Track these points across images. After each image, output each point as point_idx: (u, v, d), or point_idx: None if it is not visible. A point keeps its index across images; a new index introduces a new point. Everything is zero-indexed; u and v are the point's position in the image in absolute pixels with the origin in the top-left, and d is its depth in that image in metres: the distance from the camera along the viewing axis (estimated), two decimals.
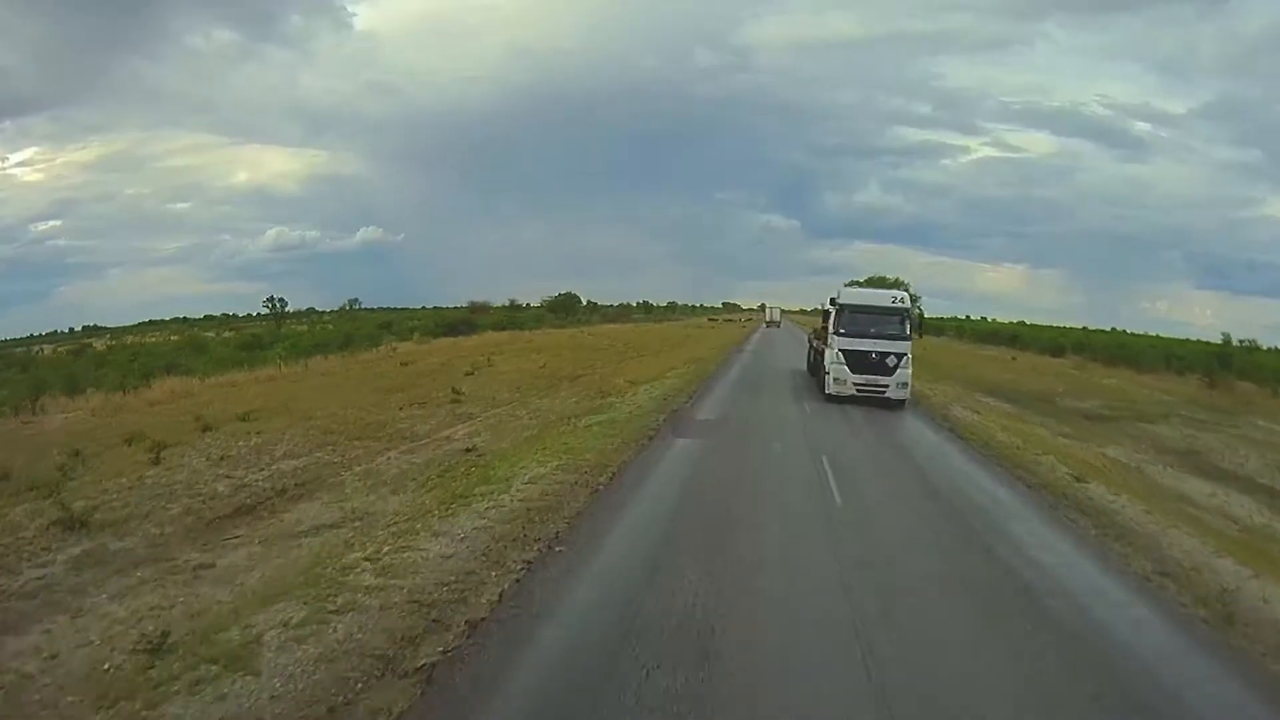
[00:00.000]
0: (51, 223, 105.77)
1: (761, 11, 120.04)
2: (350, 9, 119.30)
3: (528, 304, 74.50)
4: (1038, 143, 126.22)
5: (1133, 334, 54.44)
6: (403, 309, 76.20)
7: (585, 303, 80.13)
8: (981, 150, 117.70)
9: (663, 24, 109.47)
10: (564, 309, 73.77)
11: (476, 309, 67.69)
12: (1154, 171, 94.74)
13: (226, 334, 55.34)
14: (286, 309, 66.04)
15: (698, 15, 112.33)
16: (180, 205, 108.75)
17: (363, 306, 72.99)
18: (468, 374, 23.00)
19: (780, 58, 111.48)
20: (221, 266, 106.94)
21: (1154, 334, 54.41)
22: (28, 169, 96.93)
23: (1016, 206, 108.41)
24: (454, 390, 18.47)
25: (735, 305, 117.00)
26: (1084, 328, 57.23)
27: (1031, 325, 64.15)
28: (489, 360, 27.53)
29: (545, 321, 63.91)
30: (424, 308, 75.51)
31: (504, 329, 51.50)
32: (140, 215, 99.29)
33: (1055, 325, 62.56)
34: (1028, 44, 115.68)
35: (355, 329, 47.03)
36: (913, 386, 19.12)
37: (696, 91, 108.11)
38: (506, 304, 73.36)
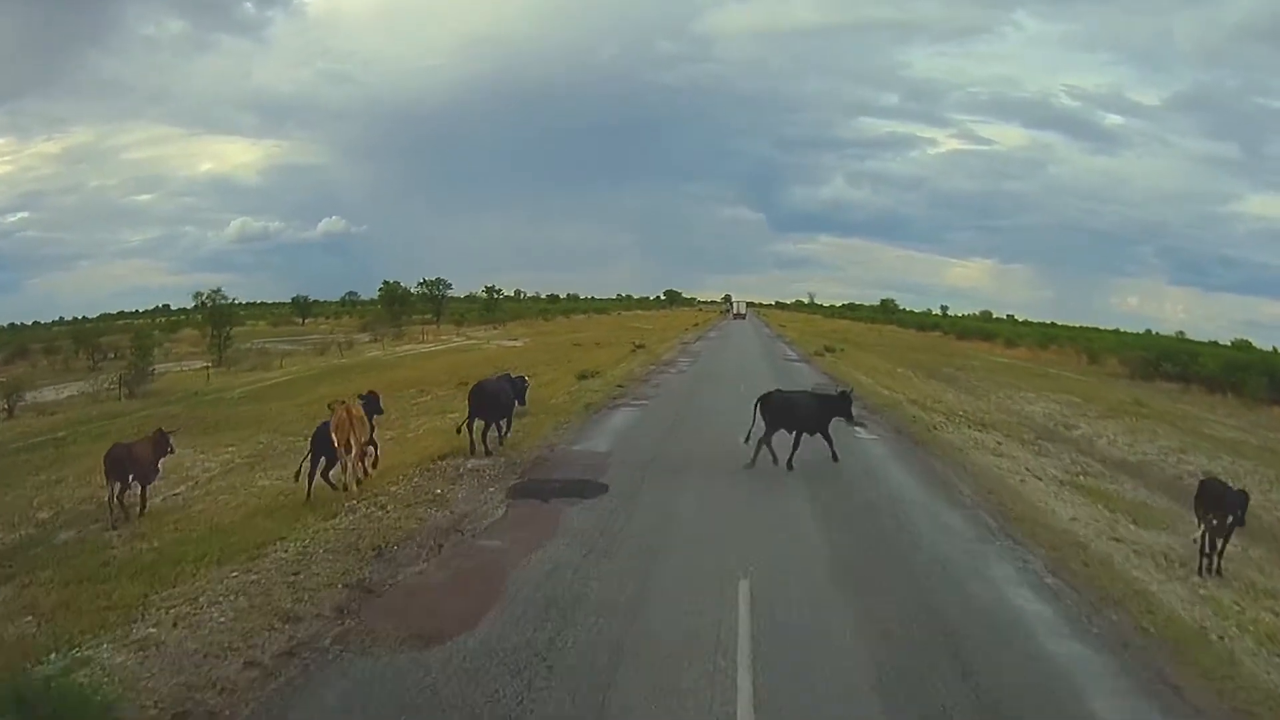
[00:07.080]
0: (20, 214, 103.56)
1: None
2: None
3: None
4: (1007, 135, 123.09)
5: None
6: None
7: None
8: (950, 142, 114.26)
9: (621, 11, 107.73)
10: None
11: None
12: (1126, 164, 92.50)
13: None
14: None
15: (657, 2, 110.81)
16: (144, 197, 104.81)
17: None
18: None
19: (743, 47, 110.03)
20: (187, 258, 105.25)
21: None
22: None
23: (985, 200, 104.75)
24: None
25: (677, 294, 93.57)
26: None
27: None
28: None
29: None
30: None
31: None
32: (106, 207, 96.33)
33: None
34: (997, 33, 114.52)
35: None
36: None
37: (657, 81, 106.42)
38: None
